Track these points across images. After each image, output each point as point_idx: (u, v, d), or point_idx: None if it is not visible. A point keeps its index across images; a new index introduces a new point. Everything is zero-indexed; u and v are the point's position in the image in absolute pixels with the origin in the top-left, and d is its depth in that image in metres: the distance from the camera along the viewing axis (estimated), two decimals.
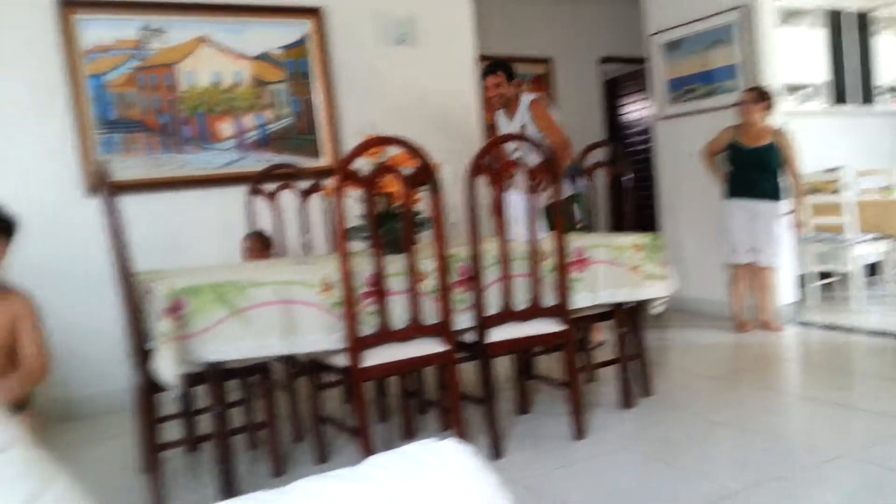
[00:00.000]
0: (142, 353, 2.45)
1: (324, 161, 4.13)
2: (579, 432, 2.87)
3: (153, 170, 3.76)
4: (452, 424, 2.68)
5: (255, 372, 2.67)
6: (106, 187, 2.44)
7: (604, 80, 7.00)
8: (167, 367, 2.22)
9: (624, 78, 7.08)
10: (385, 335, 2.49)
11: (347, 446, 2.93)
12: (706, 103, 4.86)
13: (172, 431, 2.96)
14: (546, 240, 2.95)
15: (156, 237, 3.66)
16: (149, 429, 2.53)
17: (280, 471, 2.72)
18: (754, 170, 4.33)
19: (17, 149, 3.50)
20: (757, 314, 4.57)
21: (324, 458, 2.82)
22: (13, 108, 3.49)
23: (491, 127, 4.10)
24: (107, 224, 2.55)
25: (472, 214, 2.62)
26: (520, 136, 3.18)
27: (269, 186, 3.50)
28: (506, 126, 4.15)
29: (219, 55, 3.88)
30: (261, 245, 3.51)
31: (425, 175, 2.51)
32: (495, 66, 4.08)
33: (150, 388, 2.46)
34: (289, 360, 3.04)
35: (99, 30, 3.60)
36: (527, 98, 4.08)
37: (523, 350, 3.22)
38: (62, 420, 3.48)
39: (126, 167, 3.67)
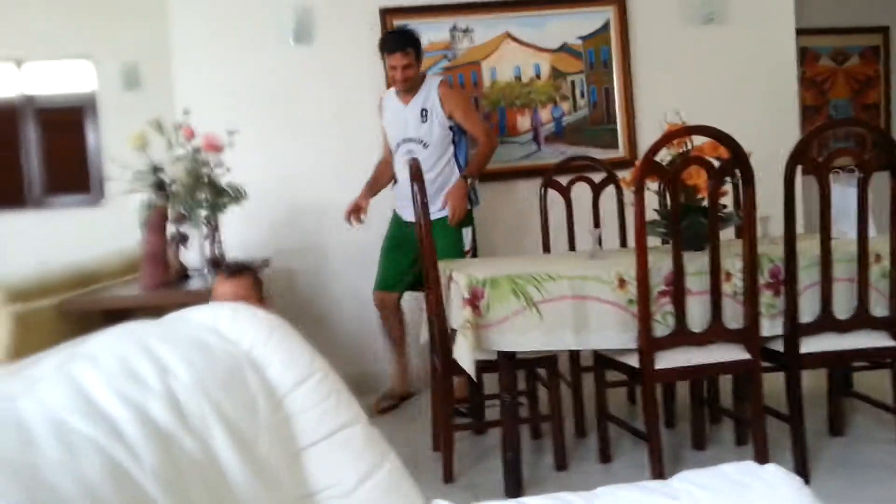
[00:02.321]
0: (444, 338, 2.61)
1: (620, 152, 4.04)
2: None
3: None
4: (752, 439, 2.47)
5: (542, 364, 2.70)
6: (418, 185, 2.63)
7: None
8: (465, 354, 2.33)
9: None
10: (681, 337, 2.36)
11: (633, 449, 2.83)
12: None
13: (462, 414, 3.12)
14: (878, 240, 2.57)
15: None
16: (445, 409, 2.69)
17: (563, 464, 2.72)
18: None
19: (336, 151, 3.92)
20: None
21: (607, 457, 2.76)
22: (356, 106, 3.89)
23: (423, 112, 3.37)
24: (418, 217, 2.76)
25: (790, 209, 2.37)
26: (855, 121, 2.75)
27: (563, 179, 3.51)
28: (399, 111, 3.43)
29: (520, 50, 3.97)
30: (251, 287, 2.34)
31: (735, 165, 2.32)
32: (404, 41, 3.29)
33: (448, 371, 2.61)
34: (575, 355, 3.05)
35: None
36: (434, 79, 3.44)
37: (842, 365, 2.85)
38: (359, 393, 3.83)
39: None
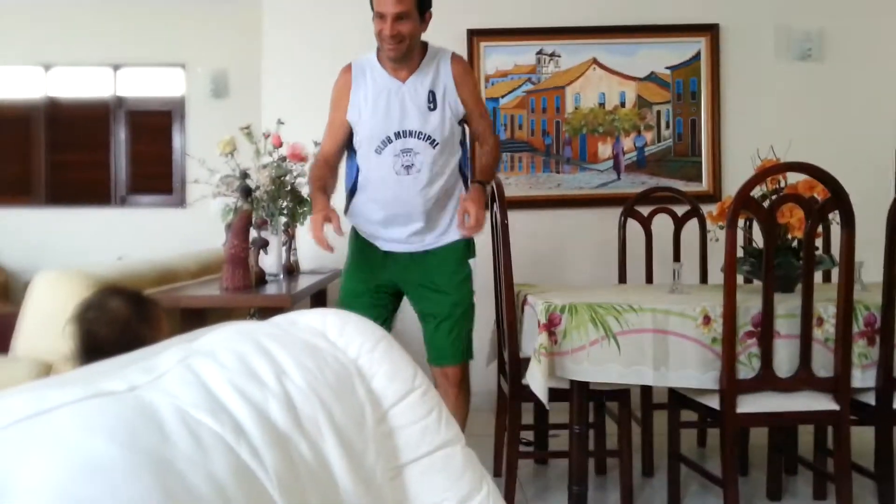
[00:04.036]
0: (515, 361, 2.56)
1: (703, 186, 3.95)
2: None
3: (532, 188, 3.96)
4: (836, 495, 2.33)
5: (614, 397, 2.62)
6: (499, 203, 2.60)
7: None
8: (538, 380, 2.28)
9: None
10: (767, 381, 2.26)
11: (702, 492, 2.73)
12: None
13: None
14: None
15: (530, 252, 3.83)
16: (511, 435, 2.63)
17: (629, 503, 2.63)
18: None
19: None
20: None
21: (677, 499, 2.65)
22: None
23: (431, 97, 2.39)
24: (496, 237, 2.73)
25: (891, 255, 2.25)
26: None
27: (644, 209, 3.43)
28: (390, 90, 2.38)
29: (607, 77, 3.95)
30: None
31: (835, 206, 2.22)
32: None
33: (516, 396, 2.56)
34: (647, 390, 2.95)
35: (500, 56, 3.91)
36: (443, 51, 2.45)
37: None
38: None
39: (508, 184, 3.91)
